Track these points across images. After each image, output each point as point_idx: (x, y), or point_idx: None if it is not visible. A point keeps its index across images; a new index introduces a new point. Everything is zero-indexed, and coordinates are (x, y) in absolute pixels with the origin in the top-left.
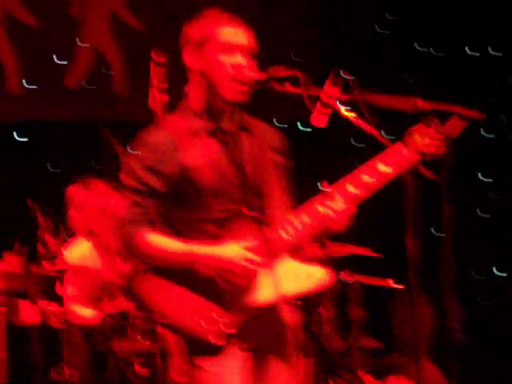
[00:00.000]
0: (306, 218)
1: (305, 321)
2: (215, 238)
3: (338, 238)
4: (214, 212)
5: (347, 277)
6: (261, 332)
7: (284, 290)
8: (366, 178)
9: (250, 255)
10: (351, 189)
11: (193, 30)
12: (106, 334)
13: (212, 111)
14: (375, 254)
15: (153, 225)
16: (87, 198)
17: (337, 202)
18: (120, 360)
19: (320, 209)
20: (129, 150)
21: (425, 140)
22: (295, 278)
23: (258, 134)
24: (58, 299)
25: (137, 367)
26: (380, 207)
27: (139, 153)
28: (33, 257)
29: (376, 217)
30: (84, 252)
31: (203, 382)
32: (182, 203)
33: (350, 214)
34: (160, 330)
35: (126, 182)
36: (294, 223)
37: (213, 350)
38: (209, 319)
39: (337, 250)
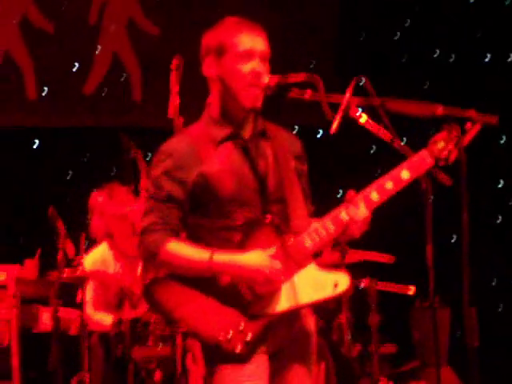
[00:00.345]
0: (331, 226)
1: (324, 328)
2: (236, 246)
3: (357, 244)
4: (235, 220)
5: (367, 284)
6: (280, 336)
7: (304, 297)
8: (389, 185)
9: (273, 263)
10: (375, 196)
11: (211, 40)
12: (125, 341)
13: (233, 119)
14: (393, 260)
15: (174, 232)
16: (109, 204)
17: (361, 209)
18: (140, 367)
19: (344, 216)
20: (151, 158)
21: (448, 147)
22: (315, 284)
23: (278, 140)
24: (78, 306)
25: (156, 374)
26: (400, 214)
27: (159, 161)
28: (53, 264)
29: (396, 224)
30: (104, 258)
31: None
32: (202, 211)
33: (369, 219)
34: (180, 337)
35: (147, 189)
36: (320, 231)
37: (238, 359)
38: (236, 328)
39: (356, 256)
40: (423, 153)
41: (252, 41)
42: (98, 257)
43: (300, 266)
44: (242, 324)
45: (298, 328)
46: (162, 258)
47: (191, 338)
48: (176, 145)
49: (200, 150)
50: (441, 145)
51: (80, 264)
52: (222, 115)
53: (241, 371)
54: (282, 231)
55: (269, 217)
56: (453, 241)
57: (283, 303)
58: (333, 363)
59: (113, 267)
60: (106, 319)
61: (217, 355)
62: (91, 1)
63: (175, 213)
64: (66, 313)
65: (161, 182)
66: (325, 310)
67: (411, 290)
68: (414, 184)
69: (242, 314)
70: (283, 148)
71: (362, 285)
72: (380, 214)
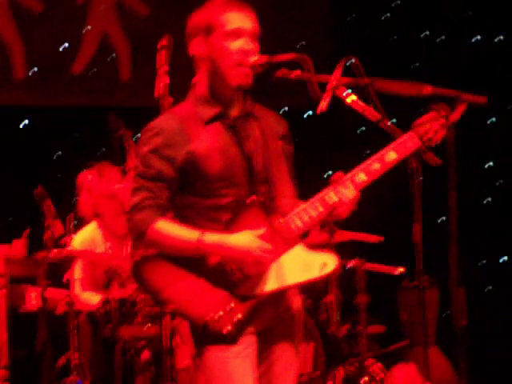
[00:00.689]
0: (319, 207)
1: (312, 308)
2: (224, 226)
3: (345, 224)
4: (223, 199)
5: (354, 264)
6: (267, 316)
7: (292, 277)
8: (376, 165)
9: (262, 244)
10: (363, 177)
11: (198, 19)
12: (113, 320)
13: (220, 98)
14: (380, 238)
15: (163, 211)
16: (98, 182)
17: (349, 190)
18: (127, 346)
19: (333, 197)
20: (139, 136)
21: (433, 128)
22: (303, 265)
23: (265, 120)
24: (65, 286)
25: (144, 353)
26: (387, 195)
27: (148, 138)
28: (40, 243)
29: (383, 204)
30: (93, 238)
31: (211, 368)
32: (190, 189)
33: (357, 200)
34: (168, 316)
35: (136, 167)
36: (308, 211)
37: (227, 339)
38: (224, 309)
39: (344, 236)
40: (410, 134)
41: (240, 19)
42: (86, 236)
43: (288, 246)
44: (231, 304)
45: (284, 308)
46: (150, 237)
47: (179, 317)
48: (164, 123)
49: (188, 129)
50: (427, 126)
51: (68, 244)
52: (210, 94)
53: (229, 351)
54: (269, 211)
55: (255, 197)
56: (441, 221)
57: (271, 283)
58: (321, 343)
59: (102, 247)
60: (93, 299)
61: (205, 335)
62: None
63: (164, 191)
64: (53, 293)
65: (150, 160)
66: (313, 289)
67: (399, 270)
68: (402, 164)
69: (231, 295)
70: (270, 128)
71: (350, 265)
72: (368, 194)
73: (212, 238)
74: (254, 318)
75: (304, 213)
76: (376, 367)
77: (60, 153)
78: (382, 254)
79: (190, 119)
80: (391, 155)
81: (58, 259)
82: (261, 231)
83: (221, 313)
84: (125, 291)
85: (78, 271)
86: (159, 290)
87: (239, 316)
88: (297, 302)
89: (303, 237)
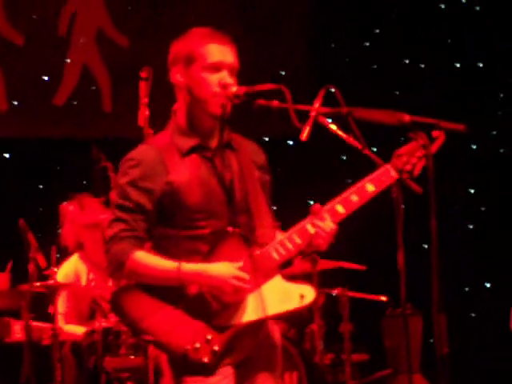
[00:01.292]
0: (297, 239)
1: (296, 336)
2: (203, 257)
3: (328, 253)
4: (201, 230)
5: (338, 292)
6: (246, 347)
7: (271, 308)
8: (354, 198)
9: (240, 274)
10: (340, 209)
11: (180, 49)
12: (97, 351)
13: (198, 128)
14: (364, 267)
15: (141, 242)
16: (79, 213)
17: (327, 222)
18: (112, 377)
19: (310, 229)
20: (118, 167)
21: (411, 161)
22: (282, 296)
23: (243, 151)
24: (49, 319)
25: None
26: (371, 223)
27: (127, 169)
28: (24, 276)
29: (368, 232)
30: (76, 270)
31: None
32: (168, 221)
33: (334, 232)
34: (151, 347)
35: (113, 198)
36: (286, 243)
37: (205, 370)
38: (203, 339)
39: (327, 264)
40: (386, 167)
41: (221, 53)
42: (70, 268)
43: (266, 277)
44: (209, 335)
45: (263, 338)
46: (129, 267)
47: (157, 349)
48: (143, 154)
49: (167, 160)
50: (405, 158)
51: (51, 276)
52: (189, 125)
53: (206, 383)
54: (248, 242)
55: (234, 228)
56: (424, 248)
57: (250, 314)
58: (305, 372)
59: (85, 278)
60: (77, 330)
61: (184, 366)
62: (60, 12)
63: (141, 223)
64: (37, 325)
65: (127, 192)
66: (296, 319)
67: (383, 298)
68: (385, 192)
69: (209, 325)
70: (248, 158)
71: (334, 293)
72: (352, 222)
73: (191, 267)
74: (232, 349)
75: (281, 245)
76: None
77: (43, 185)
78: (366, 282)
79: (168, 150)
80: (369, 187)
81: (41, 292)
82: (240, 264)
83: (198, 344)
84: (108, 322)
85: (61, 304)
86: (137, 320)
87: (216, 348)
88: (276, 332)
89: (285, 266)
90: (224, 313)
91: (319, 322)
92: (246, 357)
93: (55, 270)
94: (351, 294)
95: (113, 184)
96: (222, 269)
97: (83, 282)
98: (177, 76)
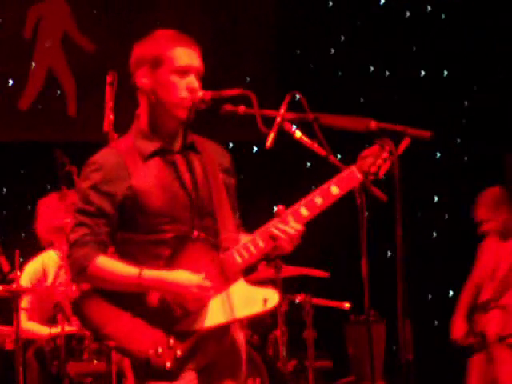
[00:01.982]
0: (260, 242)
1: (259, 343)
2: (166, 261)
3: (291, 259)
4: (164, 234)
5: (302, 299)
6: (209, 352)
7: (234, 312)
8: (318, 200)
9: (202, 281)
10: (304, 211)
11: (145, 51)
12: (60, 355)
13: (161, 132)
14: (327, 274)
15: (104, 247)
16: (56, 209)
17: (290, 225)
18: (74, 382)
19: (274, 231)
20: (81, 171)
21: (377, 162)
22: (246, 300)
23: (207, 153)
24: (12, 323)
25: None
26: (335, 230)
27: (89, 173)
28: None
29: (330, 239)
30: (44, 267)
31: None
32: (130, 225)
33: (300, 234)
34: (114, 352)
35: (76, 202)
36: (249, 247)
37: (168, 375)
38: (165, 345)
39: (290, 270)
40: (352, 168)
41: (189, 56)
42: (38, 265)
43: (230, 281)
44: (171, 340)
45: (227, 342)
46: (91, 273)
47: (120, 354)
48: (105, 158)
49: (128, 164)
50: (370, 160)
51: (15, 280)
52: (151, 128)
53: None
54: (211, 246)
55: (196, 232)
56: (388, 256)
57: (213, 318)
58: (268, 378)
59: (53, 275)
60: (41, 330)
61: (146, 372)
62: (26, 15)
63: (104, 227)
64: (1, 329)
65: (89, 196)
66: (259, 325)
67: (346, 305)
68: (349, 199)
69: (171, 331)
70: (212, 161)
71: (298, 300)
72: (316, 229)
73: (152, 273)
74: (195, 354)
75: (245, 249)
76: None
77: (7, 188)
78: (329, 288)
79: (130, 154)
80: (333, 190)
81: (4, 295)
82: (202, 274)
83: (160, 349)
84: (70, 325)
85: (25, 302)
86: (100, 326)
87: (178, 352)
88: (240, 337)
89: (249, 272)
90: (186, 318)
91: (282, 328)
92: (209, 362)
93: (18, 273)
94: (315, 300)
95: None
96: (183, 276)
97: (50, 278)
98: (142, 79)
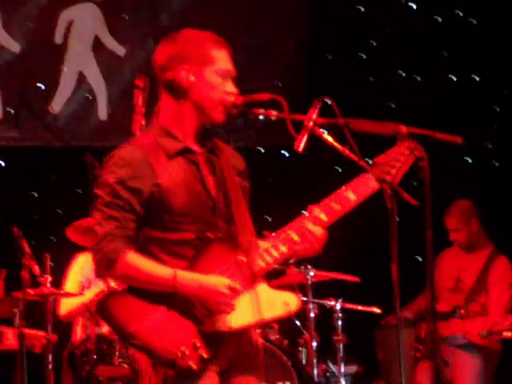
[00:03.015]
0: (282, 247)
1: (289, 347)
2: (188, 262)
3: (321, 264)
4: (186, 234)
5: (331, 303)
6: (229, 353)
7: (257, 315)
8: (335, 206)
9: (237, 287)
10: (323, 217)
11: (190, 48)
12: (90, 358)
13: (186, 132)
14: (357, 279)
15: (132, 243)
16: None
17: (310, 228)
18: None
19: (294, 236)
20: (104, 165)
21: (391, 171)
22: (267, 303)
23: (224, 157)
24: (42, 326)
25: None
26: (366, 235)
27: (115, 168)
28: (17, 283)
29: (362, 244)
30: (83, 266)
31: None
32: (154, 223)
33: (323, 240)
34: (132, 351)
35: (102, 196)
36: (271, 251)
37: (192, 376)
38: (191, 345)
39: (321, 275)
40: (367, 175)
41: (229, 61)
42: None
43: (252, 285)
44: (197, 341)
45: (245, 344)
46: (120, 268)
47: (144, 354)
48: (130, 154)
49: (153, 161)
50: (385, 168)
51: (45, 284)
52: (175, 127)
53: None
54: (233, 248)
55: (219, 234)
56: (418, 260)
57: (242, 319)
58: (297, 383)
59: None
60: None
61: (171, 372)
62: (56, 21)
63: (132, 223)
64: (30, 333)
65: (117, 191)
66: (290, 329)
67: (376, 310)
68: (380, 204)
69: (197, 331)
70: (229, 165)
71: (328, 304)
72: (346, 234)
73: (187, 276)
74: (217, 355)
75: (266, 253)
76: None
77: (38, 193)
78: (360, 293)
79: (154, 151)
80: (351, 196)
81: (34, 299)
82: (237, 282)
83: (186, 351)
84: (99, 328)
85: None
86: (125, 324)
87: (204, 354)
88: (256, 338)
89: (279, 276)
90: (210, 319)
91: (313, 333)
92: (229, 364)
93: (48, 277)
94: (345, 305)
95: (99, 182)
96: (216, 281)
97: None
98: (185, 75)
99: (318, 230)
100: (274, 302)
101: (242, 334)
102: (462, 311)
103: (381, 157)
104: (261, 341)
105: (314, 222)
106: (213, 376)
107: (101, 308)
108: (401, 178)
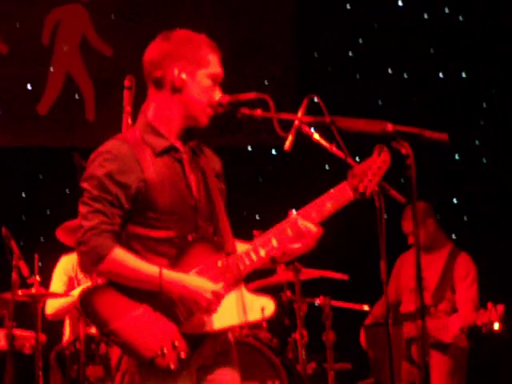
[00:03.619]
0: (261, 251)
1: (279, 346)
2: (170, 261)
3: (310, 262)
4: (170, 232)
5: (321, 301)
6: (206, 352)
7: (234, 318)
8: (313, 214)
9: (221, 290)
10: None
11: (184, 47)
12: (79, 358)
13: (171, 130)
14: (346, 277)
15: (118, 238)
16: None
17: (309, 225)
18: None
19: (273, 241)
20: (91, 159)
21: (364, 182)
22: (245, 307)
23: (205, 157)
24: (32, 326)
25: None
26: (353, 233)
27: (103, 162)
28: (6, 284)
29: (349, 242)
30: (73, 265)
31: None
32: (137, 219)
33: (317, 236)
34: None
35: (89, 189)
36: (251, 255)
37: (169, 375)
38: (170, 345)
39: (310, 273)
40: (344, 185)
41: (219, 65)
42: (68, 263)
43: (232, 287)
44: (176, 341)
45: (222, 343)
46: (107, 264)
47: (124, 352)
48: (118, 149)
49: (140, 157)
50: (358, 179)
51: (34, 284)
52: (162, 125)
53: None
54: (215, 249)
55: (201, 234)
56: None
57: (219, 322)
58: (287, 381)
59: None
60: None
61: (148, 370)
62: (44, 22)
63: (118, 219)
64: (20, 333)
65: (106, 185)
66: (279, 327)
67: (366, 307)
68: (367, 202)
69: (177, 331)
70: (209, 165)
71: (317, 302)
72: (335, 232)
73: (173, 275)
74: (194, 355)
75: (246, 257)
76: None
77: (26, 193)
78: (349, 291)
79: (140, 148)
80: (328, 205)
81: (24, 300)
82: (220, 284)
83: (165, 350)
84: (89, 328)
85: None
86: (107, 321)
87: (182, 354)
88: (231, 336)
89: (268, 275)
90: (190, 320)
91: (302, 331)
92: (207, 362)
93: (37, 278)
94: (334, 303)
95: (85, 176)
96: (204, 284)
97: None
98: (178, 73)
99: (312, 227)
100: (252, 306)
101: (218, 334)
102: (431, 309)
103: (358, 167)
104: (233, 339)
105: (307, 219)
106: (189, 375)
107: (83, 302)
108: (373, 188)
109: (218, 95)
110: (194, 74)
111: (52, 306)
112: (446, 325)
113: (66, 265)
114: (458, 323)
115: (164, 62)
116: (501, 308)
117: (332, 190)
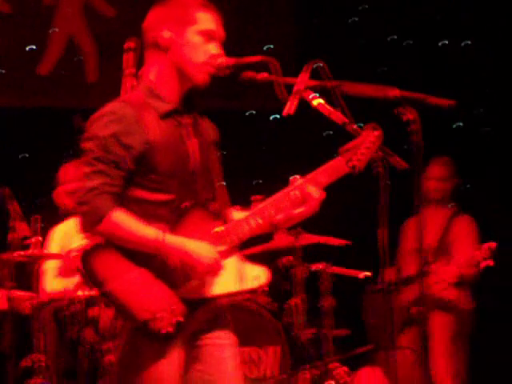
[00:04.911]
0: (259, 219)
1: (277, 311)
2: (168, 225)
3: (310, 227)
4: (170, 196)
5: (320, 267)
6: (199, 318)
7: (228, 286)
8: (310, 188)
9: (219, 259)
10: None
11: (172, 9)
12: (77, 320)
13: (172, 94)
14: (346, 242)
15: (119, 200)
16: (73, 176)
17: (313, 189)
18: (91, 347)
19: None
20: (94, 119)
21: (357, 156)
22: (239, 275)
23: (204, 123)
24: (31, 288)
25: (109, 355)
26: (354, 199)
27: (108, 122)
28: (5, 245)
29: (350, 208)
30: (67, 232)
31: (142, 366)
32: (138, 181)
33: (321, 200)
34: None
35: (92, 149)
36: (250, 221)
37: (164, 339)
38: (166, 308)
39: (309, 239)
40: (339, 160)
41: (213, 22)
42: (61, 232)
43: (228, 254)
44: (173, 305)
45: (216, 308)
46: (106, 225)
47: (119, 313)
48: (123, 110)
49: (144, 119)
50: (352, 153)
51: (33, 245)
52: (162, 89)
53: (161, 350)
54: (214, 214)
55: (200, 199)
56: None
57: (212, 289)
58: (287, 346)
59: (77, 242)
60: (67, 283)
61: (142, 333)
62: None
63: (120, 180)
64: (18, 294)
65: (110, 145)
66: (278, 292)
67: (365, 274)
68: (369, 168)
69: (173, 295)
70: (208, 132)
71: (316, 268)
72: (336, 198)
73: (174, 239)
74: (189, 319)
75: (244, 223)
76: (341, 370)
77: (26, 154)
78: (348, 257)
79: (145, 110)
80: (321, 178)
81: (23, 261)
82: (223, 247)
83: (162, 312)
84: (91, 291)
85: (52, 262)
86: (104, 281)
87: (179, 318)
88: (226, 301)
89: (265, 240)
90: (186, 285)
91: (301, 296)
92: (202, 327)
93: (40, 238)
94: (334, 269)
95: (87, 135)
96: (205, 249)
97: (75, 244)
98: (166, 35)
99: (316, 191)
100: (246, 275)
101: (215, 300)
102: (432, 266)
103: (351, 142)
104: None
105: (312, 184)
106: (183, 339)
107: (83, 262)
108: (366, 161)
109: (213, 49)
110: (182, 33)
111: (51, 286)
112: (445, 271)
113: (58, 234)
114: (456, 265)
115: (156, 25)
116: (493, 245)
117: (325, 165)
